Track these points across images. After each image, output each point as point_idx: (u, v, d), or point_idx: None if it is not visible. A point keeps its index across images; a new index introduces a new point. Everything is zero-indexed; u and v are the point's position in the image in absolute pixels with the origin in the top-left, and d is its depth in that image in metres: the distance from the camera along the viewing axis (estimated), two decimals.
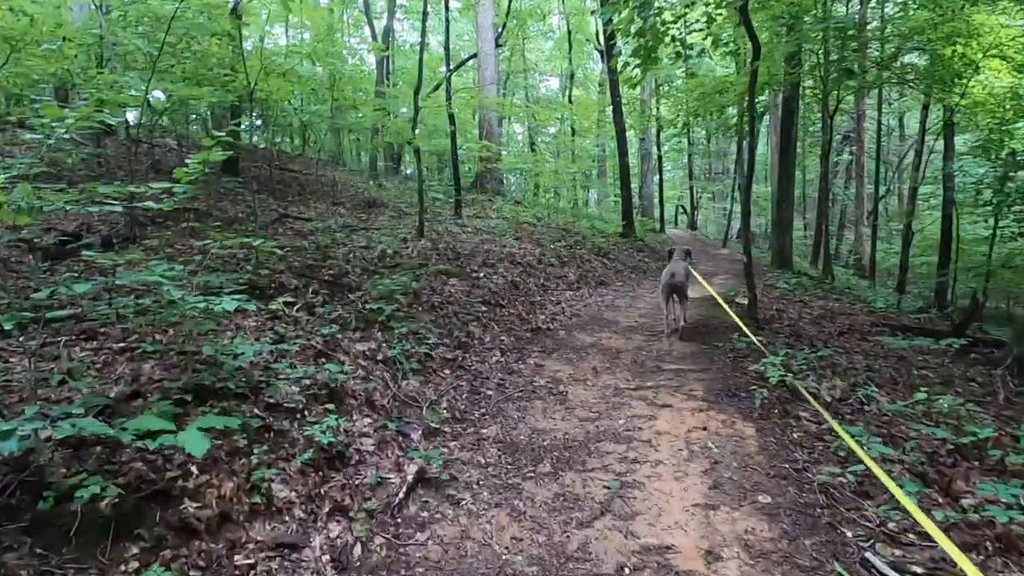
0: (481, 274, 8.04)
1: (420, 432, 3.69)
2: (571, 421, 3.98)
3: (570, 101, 25.30)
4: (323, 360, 4.14)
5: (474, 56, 20.16)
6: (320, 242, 7.52)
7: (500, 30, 20.22)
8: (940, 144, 27.16)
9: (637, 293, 9.38)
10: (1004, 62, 12.73)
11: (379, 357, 4.40)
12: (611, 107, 14.84)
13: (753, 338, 5.15)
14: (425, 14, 11.16)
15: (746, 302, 7.90)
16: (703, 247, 21.77)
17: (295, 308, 5.18)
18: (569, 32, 26.84)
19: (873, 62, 15.46)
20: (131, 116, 8.81)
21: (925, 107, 19.86)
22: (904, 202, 28.14)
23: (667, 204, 27.73)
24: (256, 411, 3.25)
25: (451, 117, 12.51)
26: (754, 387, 4.45)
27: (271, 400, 3.41)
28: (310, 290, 5.72)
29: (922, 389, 4.42)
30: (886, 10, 16.33)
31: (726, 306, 6.22)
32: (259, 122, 12.48)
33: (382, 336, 4.79)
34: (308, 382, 3.74)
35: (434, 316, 5.71)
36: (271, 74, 7.12)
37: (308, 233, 8.25)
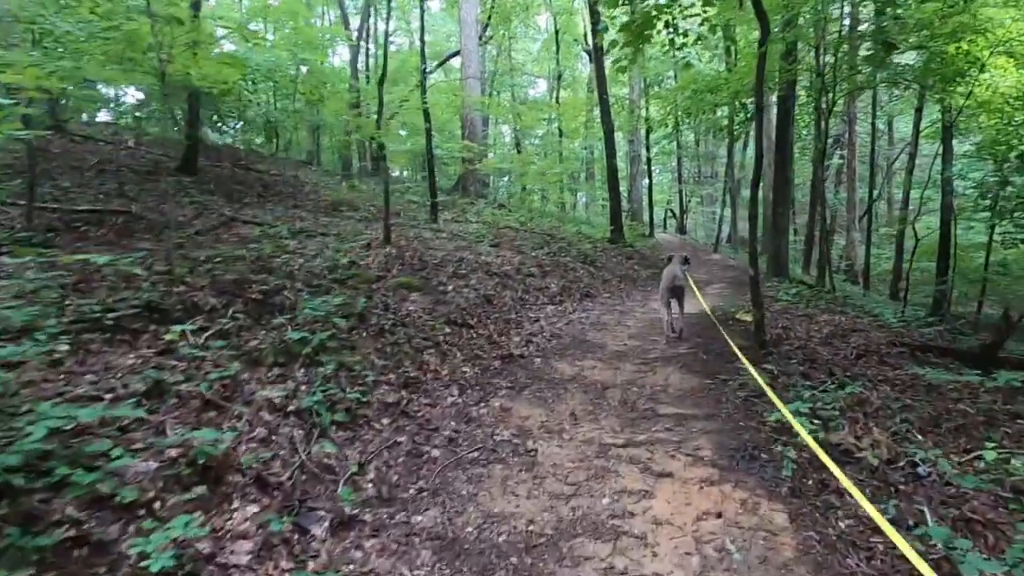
0: (450, 287, 6.97)
1: (327, 524, 2.61)
2: (539, 499, 2.92)
3: (557, 103, 24.32)
4: (211, 415, 3.06)
5: (457, 53, 19.13)
6: (263, 251, 6.42)
7: (484, 26, 19.18)
8: (930, 148, 26.44)
9: (627, 307, 8.34)
10: (1011, 59, 11.85)
11: (291, 407, 3.32)
12: (598, 107, 13.85)
13: (760, 381, 4.13)
14: None
15: (750, 319, 6.90)
16: (694, 252, 20.80)
17: (205, 336, 4.10)
18: (556, 32, 25.87)
19: (866, 62, 14.60)
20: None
21: (918, 110, 19.05)
22: (893, 206, 27.46)
23: (656, 207, 26.81)
24: (66, 513, 2.17)
25: (426, 113, 11.45)
26: (777, 445, 3.42)
27: (101, 491, 2.33)
28: (231, 311, 4.62)
29: (989, 445, 3.43)
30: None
31: (731, 340, 5.19)
32: (216, 117, 11.36)
33: (303, 375, 3.71)
34: (176, 453, 2.66)
35: (380, 344, 4.63)
36: (203, 57, 5.99)
37: (255, 239, 7.16)
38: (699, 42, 9.32)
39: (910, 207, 19.66)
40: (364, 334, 4.72)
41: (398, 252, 7.78)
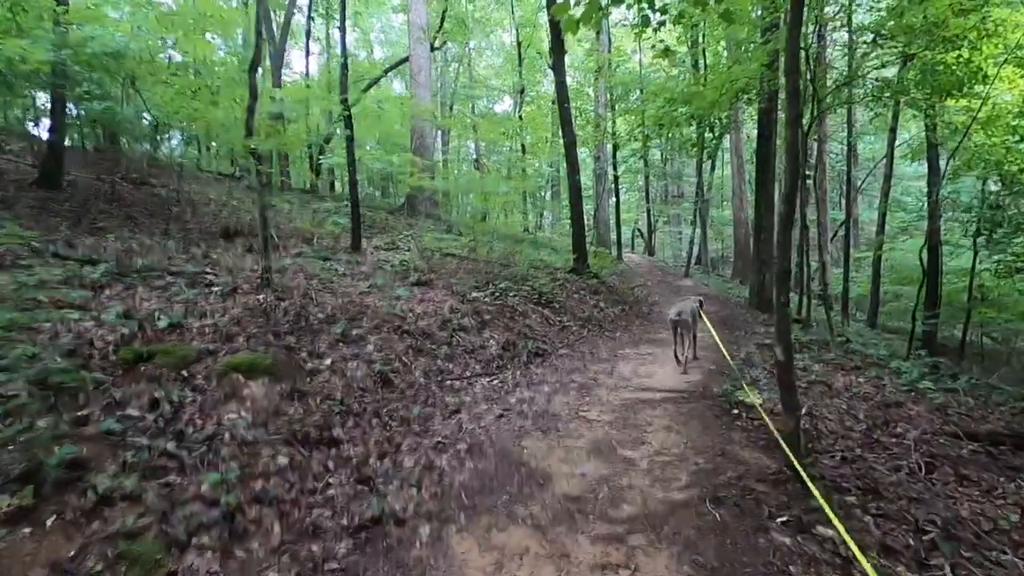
0: (327, 361, 4.55)
1: None
2: None
3: (520, 118, 22.20)
4: None
5: (406, 60, 16.81)
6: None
7: (436, 32, 16.92)
8: (902, 168, 24.96)
9: (591, 373, 6.00)
10: (1019, 69, 10.09)
11: None
12: (560, 116, 11.65)
13: None
14: None
15: (759, 402, 4.65)
16: (663, 276, 18.76)
17: None
18: (519, 44, 23.84)
19: (842, 78, 12.81)
20: None
21: (892, 129, 17.39)
22: (858, 226, 26.03)
23: (623, 227, 24.85)
24: None
25: (347, 119, 9.04)
26: None
27: None
28: None
29: None
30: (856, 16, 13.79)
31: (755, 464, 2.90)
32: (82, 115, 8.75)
33: None
34: None
35: (73, 548, 2.18)
36: None
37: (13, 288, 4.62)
38: (679, 22, 7.26)
39: (886, 230, 18.08)
40: (51, 513, 2.26)
41: (271, 303, 5.31)
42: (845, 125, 17.04)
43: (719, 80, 10.43)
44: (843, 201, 27.71)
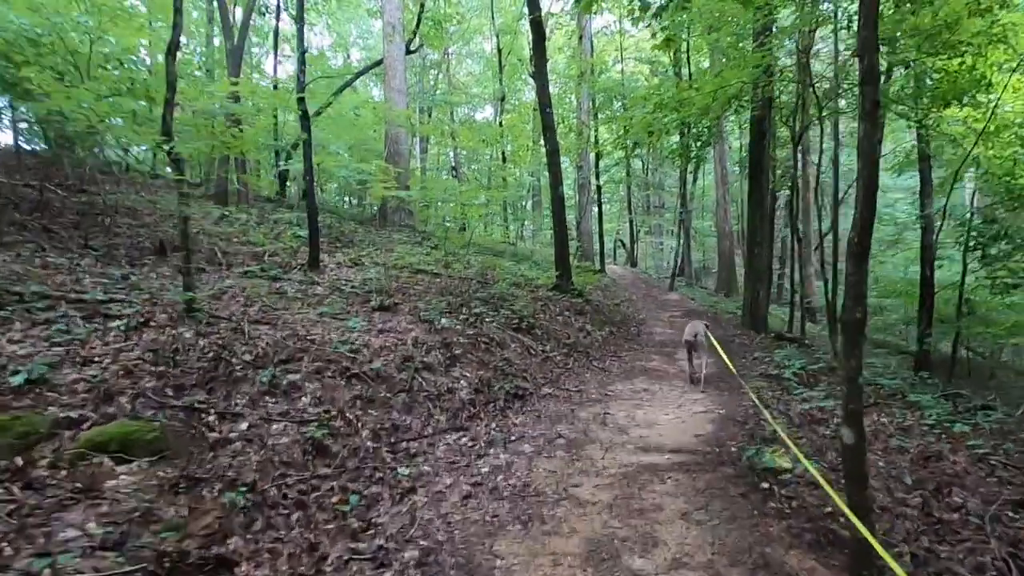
0: (244, 425, 3.45)
1: None
2: None
3: (502, 136, 21.24)
4: None
5: (379, 63, 15.74)
6: None
7: (412, 34, 15.90)
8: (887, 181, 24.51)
9: (581, 422, 4.95)
10: None
11: None
12: (542, 122, 10.67)
13: None
14: None
15: (788, 467, 3.68)
16: (647, 290, 17.89)
17: None
18: (499, 51, 22.94)
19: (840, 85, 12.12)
20: None
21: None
22: (839, 239, 25.51)
23: (605, 237, 23.99)
24: None
25: (304, 118, 7.94)
26: None
27: None
28: None
29: None
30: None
31: None
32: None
33: None
34: None
35: None
36: None
37: None
38: (685, 7, 6.37)
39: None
40: None
41: (187, 341, 4.19)
42: (821, 136, 16.39)
43: (711, 86, 9.57)
44: (822, 213, 27.27)
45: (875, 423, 5.73)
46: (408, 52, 16.19)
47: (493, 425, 4.62)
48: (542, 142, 11.63)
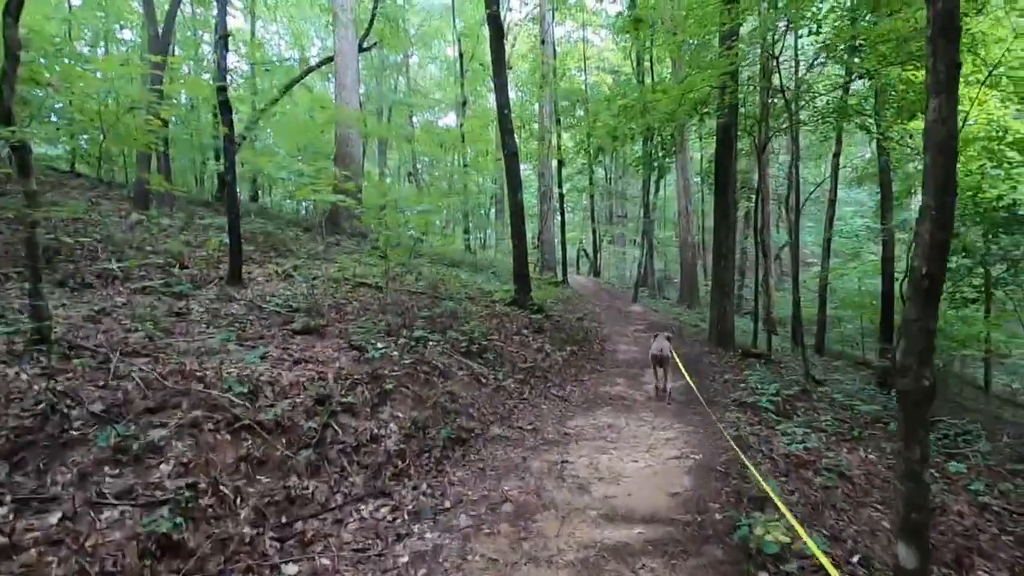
0: (54, 517, 2.41)
1: None
2: None
3: (463, 139, 20.33)
4: None
5: (330, 60, 14.62)
6: None
7: (366, 31, 14.85)
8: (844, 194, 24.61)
9: (536, 476, 4.05)
10: (991, 90, 9.09)
11: None
12: (499, 124, 9.81)
13: None
14: None
15: (786, 540, 2.87)
16: (610, 301, 17.22)
17: None
18: (461, 56, 22.08)
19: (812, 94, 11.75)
20: None
21: (836, 154, 16.66)
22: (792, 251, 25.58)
23: (568, 246, 23.35)
24: None
25: (223, 107, 6.84)
26: None
27: None
28: None
29: None
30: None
31: None
32: None
33: None
34: None
35: None
36: None
37: None
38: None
39: (832, 257, 17.37)
40: None
41: (22, 383, 3.11)
42: (793, 145, 16.09)
43: (678, 90, 8.92)
44: (778, 225, 27.34)
45: (864, 461, 5.05)
46: (362, 49, 15.12)
47: (424, 486, 3.67)
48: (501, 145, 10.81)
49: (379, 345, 5.52)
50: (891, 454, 5.33)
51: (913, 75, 9.32)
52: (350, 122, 13.60)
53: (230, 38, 7.19)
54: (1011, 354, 15.66)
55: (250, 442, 3.38)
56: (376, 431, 4.07)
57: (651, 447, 4.62)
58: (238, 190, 14.35)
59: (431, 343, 6.01)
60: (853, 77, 10.75)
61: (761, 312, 19.91)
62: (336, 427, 3.89)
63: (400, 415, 4.42)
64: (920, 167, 11.77)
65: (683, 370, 7.01)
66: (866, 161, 19.53)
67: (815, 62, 9.93)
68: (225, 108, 6.86)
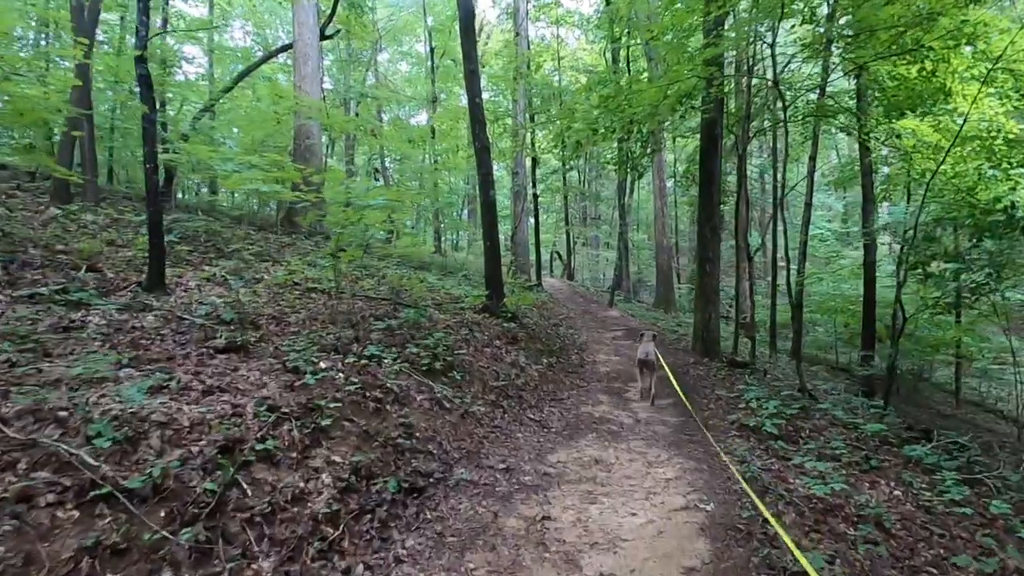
0: None
1: None
2: None
3: (433, 134, 19.29)
4: None
5: (289, 47, 13.45)
6: None
7: (328, 18, 13.73)
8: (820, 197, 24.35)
9: (512, 538, 3.14)
10: (985, 86, 8.57)
11: None
12: (470, 115, 8.86)
13: None
14: None
15: None
16: (586, 306, 16.43)
17: None
18: (432, 51, 21.07)
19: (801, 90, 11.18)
20: None
21: (812, 157, 16.20)
22: (766, 255, 25.39)
23: (542, 248, 22.55)
24: None
25: (145, 84, 5.73)
26: None
27: None
28: None
29: None
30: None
31: None
32: None
33: None
34: None
35: None
36: None
37: None
38: None
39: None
40: None
41: None
42: (783, 146, 15.58)
43: (663, 79, 8.14)
44: (776, 227, 27.02)
45: (891, 499, 4.29)
46: (324, 37, 13.98)
47: (360, 568, 2.70)
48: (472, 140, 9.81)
49: (322, 365, 4.52)
50: (917, 488, 4.59)
51: (906, 70, 8.78)
52: (310, 113, 12.45)
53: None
54: (978, 358, 15.44)
55: (108, 520, 2.36)
56: (303, 486, 3.08)
57: (650, 492, 3.74)
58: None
59: (386, 360, 5.02)
60: (838, 73, 10.22)
61: (748, 319, 19.40)
62: (245, 485, 2.88)
63: (338, 460, 3.43)
64: (906, 168, 11.18)
65: (676, 387, 6.20)
66: (842, 164, 19.17)
67: (802, 56, 9.27)
68: (145, 83, 5.74)
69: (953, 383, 16.95)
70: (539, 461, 4.31)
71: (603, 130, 8.48)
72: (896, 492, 4.47)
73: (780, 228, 18.51)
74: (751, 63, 10.66)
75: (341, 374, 4.44)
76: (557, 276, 25.49)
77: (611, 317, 14.62)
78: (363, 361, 4.83)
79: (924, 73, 8.40)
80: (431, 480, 3.66)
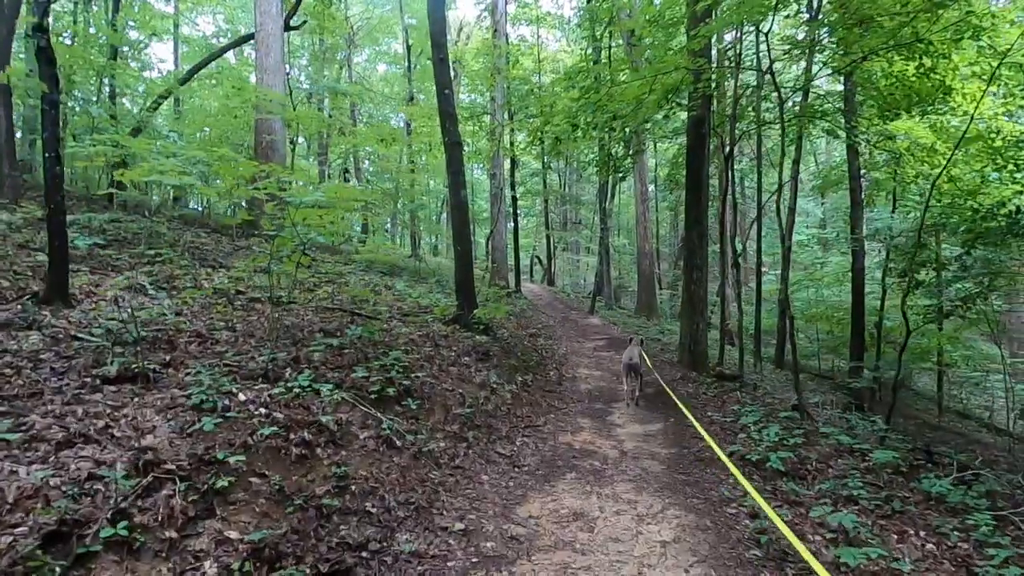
0: None
1: None
2: None
3: (408, 129, 18.37)
4: None
5: (250, 37, 12.44)
6: None
7: (294, 6, 12.77)
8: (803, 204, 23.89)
9: None
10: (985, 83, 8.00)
11: None
12: (439, 108, 7.99)
13: None
14: None
15: None
16: (566, 312, 15.67)
17: None
18: (408, 48, 20.18)
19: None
20: None
21: (796, 161, 15.67)
22: (747, 261, 24.96)
23: (521, 253, 21.74)
24: None
25: (45, 59, 4.76)
26: None
27: None
28: None
29: None
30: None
31: None
32: None
33: None
34: None
35: None
36: None
37: None
38: None
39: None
40: None
41: None
42: (766, 147, 14.98)
43: (650, 70, 7.40)
44: (760, 232, 26.61)
45: (923, 553, 3.55)
46: (289, 28, 13.02)
47: None
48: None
49: (241, 398, 3.61)
50: (952, 540, 3.86)
51: (903, 67, 8.19)
52: (271, 108, 11.49)
53: None
54: (960, 366, 15.05)
55: None
56: None
57: (643, 565, 2.92)
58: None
59: (326, 389, 4.13)
60: (827, 72, 9.63)
61: (729, 326, 18.82)
62: None
63: (233, 536, 2.55)
64: (891, 172, 10.61)
65: (680, 404, 5.43)
66: (820, 170, 18.74)
67: (796, 50, 8.62)
68: (45, 58, 4.77)
69: (936, 390, 16.52)
70: (506, 517, 3.46)
71: (584, 125, 7.71)
72: (929, 545, 3.74)
73: (761, 233, 17.92)
74: (739, 57, 10.02)
75: (263, 409, 3.55)
76: (537, 281, 24.72)
77: (592, 325, 13.86)
78: (296, 391, 3.94)
79: (923, 70, 7.79)
80: (362, 556, 2.79)
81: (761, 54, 9.84)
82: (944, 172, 9.70)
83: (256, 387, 3.87)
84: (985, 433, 14.17)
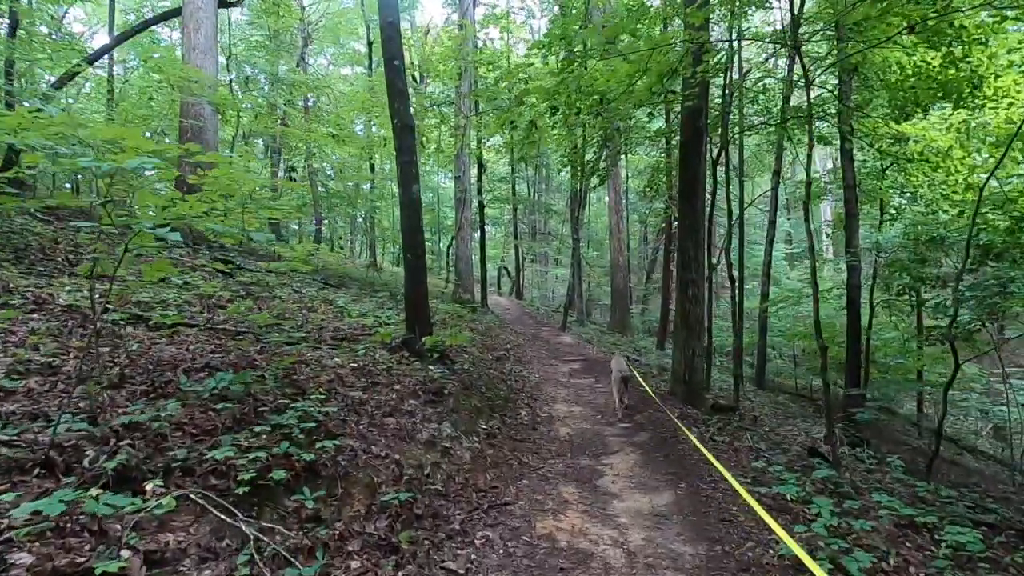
0: None
1: None
2: None
3: (370, 133, 16.60)
4: None
5: (177, 12, 10.50)
6: None
7: None
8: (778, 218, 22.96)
9: None
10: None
11: None
12: (387, 85, 6.31)
13: None
14: None
15: None
16: (536, 329, 14.08)
17: None
18: (370, 45, 18.45)
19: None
20: None
21: (776, 172, 14.56)
22: (719, 273, 24.01)
23: (488, 264, 20.09)
24: None
25: None
26: None
27: None
28: None
29: None
30: None
31: None
32: None
33: None
34: None
35: None
36: None
37: None
38: None
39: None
40: None
41: None
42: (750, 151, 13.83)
43: (645, 44, 5.94)
44: (743, 241, 25.70)
45: None
46: (224, 4, 11.13)
47: None
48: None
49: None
50: None
51: (924, 57, 7.01)
52: (198, 90, 9.58)
53: None
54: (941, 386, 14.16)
55: None
56: None
57: None
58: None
59: (151, 485, 2.36)
60: (844, 56, 8.45)
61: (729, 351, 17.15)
62: None
63: None
64: (899, 179, 9.38)
65: (718, 465, 3.84)
66: (822, 175, 17.69)
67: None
68: None
69: (916, 412, 15.52)
70: None
71: (564, 108, 6.17)
72: None
73: (744, 246, 16.65)
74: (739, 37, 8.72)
75: (7, 536, 1.77)
76: (505, 294, 23.10)
77: (565, 344, 12.30)
78: (86, 496, 2.16)
79: (951, 58, 6.58)
80: None
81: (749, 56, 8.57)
82: (949, 180, 8.52)
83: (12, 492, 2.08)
84: (968, 456, 13.22)
